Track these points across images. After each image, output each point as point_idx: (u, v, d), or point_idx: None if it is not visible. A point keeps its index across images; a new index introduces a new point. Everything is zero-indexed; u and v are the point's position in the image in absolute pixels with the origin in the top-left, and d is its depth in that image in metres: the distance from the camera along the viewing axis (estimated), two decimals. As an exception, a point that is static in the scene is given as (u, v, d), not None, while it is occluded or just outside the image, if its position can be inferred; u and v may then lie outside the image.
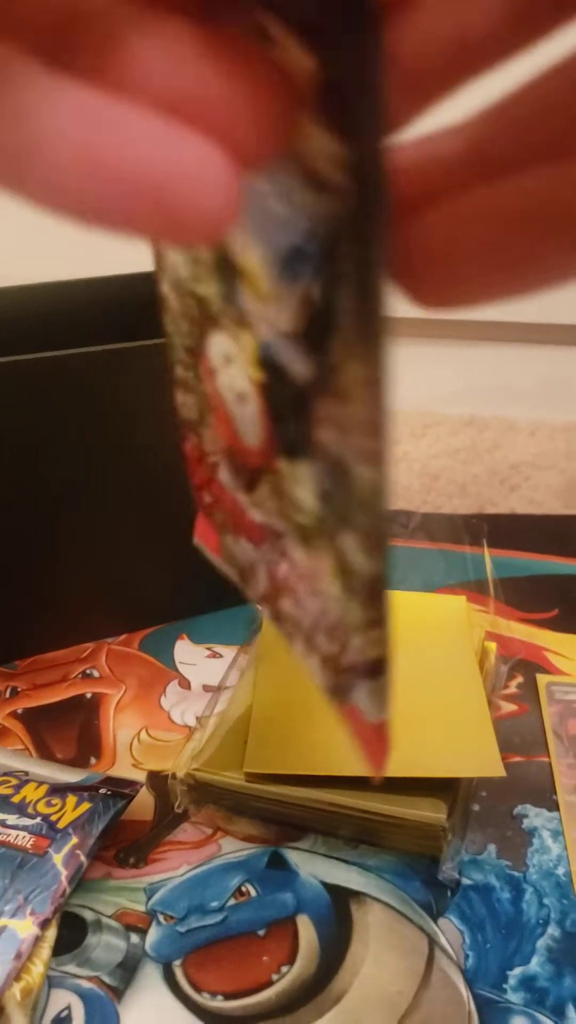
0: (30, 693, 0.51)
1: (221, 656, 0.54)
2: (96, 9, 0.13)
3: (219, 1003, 0.36)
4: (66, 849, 0.39)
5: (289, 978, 0.37)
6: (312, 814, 0.42)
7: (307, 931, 0.39)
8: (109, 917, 0.39)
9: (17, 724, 0.49)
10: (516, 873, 0.41)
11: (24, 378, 0.46)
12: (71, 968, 0.37)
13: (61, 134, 0.12)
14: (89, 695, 0.51)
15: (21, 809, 0.41)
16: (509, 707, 0.50)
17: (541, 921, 0.39)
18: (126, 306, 0.61)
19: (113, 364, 0.47)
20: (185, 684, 0.52)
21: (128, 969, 0.37)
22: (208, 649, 0.54)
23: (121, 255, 0.81)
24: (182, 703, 0.50)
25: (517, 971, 0.37)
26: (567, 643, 0.55)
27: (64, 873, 0.39)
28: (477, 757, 0.42)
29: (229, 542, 0.26)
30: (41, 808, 0.41)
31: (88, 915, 0.39)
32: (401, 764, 0.41)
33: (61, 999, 0.36)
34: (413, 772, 0.41)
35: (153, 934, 0.38)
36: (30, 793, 0.42)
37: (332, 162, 0.14)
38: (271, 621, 0.24)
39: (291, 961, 0.37)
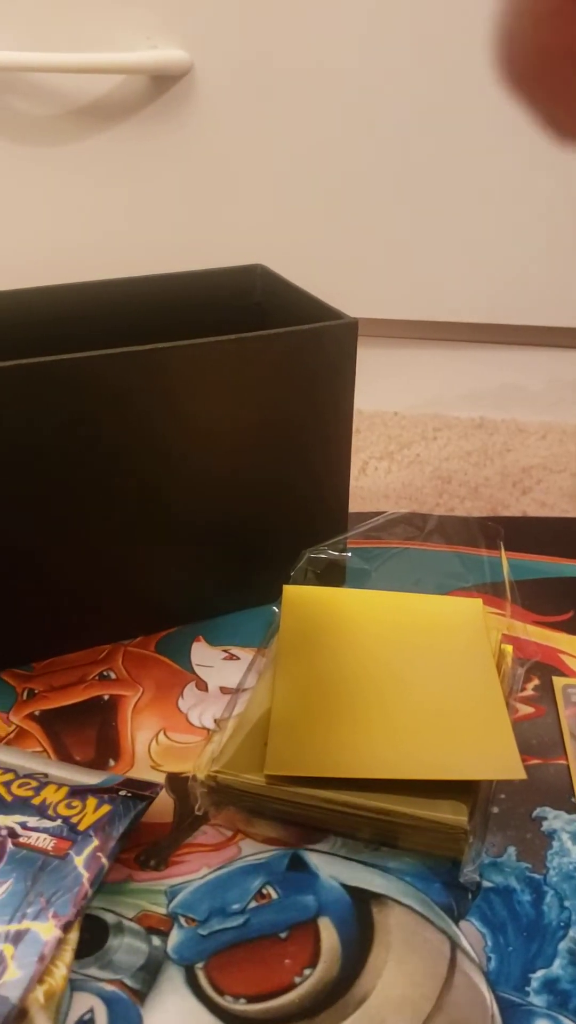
0: (47, 695, 0.51)
1: (238, 658, 0.54)
2: None
3: (242, 1006, 0.36)
4: (87, 851, 0.39)
5: (312, 981, 0.37)
6: (332, 816, 0.42)
7: (329, 934, 0.39)
8: (130, 920, 0.39)
9: (35, 726, 0.49)
10: (536, 876, 0.41)
11: (37, 380, 0.46)
12: (93, 971, 0.37)
13: None
14: (106, 697, 0.51)
15: (42, 811, 0.41)
16: (526, 709, 0.50)
17: (562, 924, 0.39)
18: (132, 308, 0.61)
19: (128, 366, 0.47)
20: (202, 686, 0.52)
21: (150, 972, 0.37)
22: (225, 651, 0.54)
23: (121, 258, 0.81)
24: (199, 705, 0.50)
25: (539, 973, 0.37)
26: (583, 646, 0.55)
27: (86, 875, 0.39)
28: (497, 759, 0.42)
29: None
30: (62, 810, 0.41)
31: (110, 918, 0.39)
32: (421, 766, 0.41)
33: (84, 1002, 0.36)
34: (433, 774, 0.41)
35: (175, 937, 0.38)
36: (51, 795, 0.42)
37: None
38: None
39: (313, 964, 0.37)
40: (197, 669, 0.53)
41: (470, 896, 0.40)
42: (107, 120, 0.77)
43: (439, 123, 0.76)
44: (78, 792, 0.42)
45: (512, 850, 0.42)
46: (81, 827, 0.40)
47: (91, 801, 0.42)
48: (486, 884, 0.41)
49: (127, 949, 0.38)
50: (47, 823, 0.41)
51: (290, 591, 0.53)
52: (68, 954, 0.37)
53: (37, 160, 0.79)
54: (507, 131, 0.76)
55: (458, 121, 0.76)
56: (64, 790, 0.43)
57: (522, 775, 0.41)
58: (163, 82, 0.76)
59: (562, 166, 0.77)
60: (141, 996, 0.36)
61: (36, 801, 0.42)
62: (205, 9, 0.73)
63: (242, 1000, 0.36)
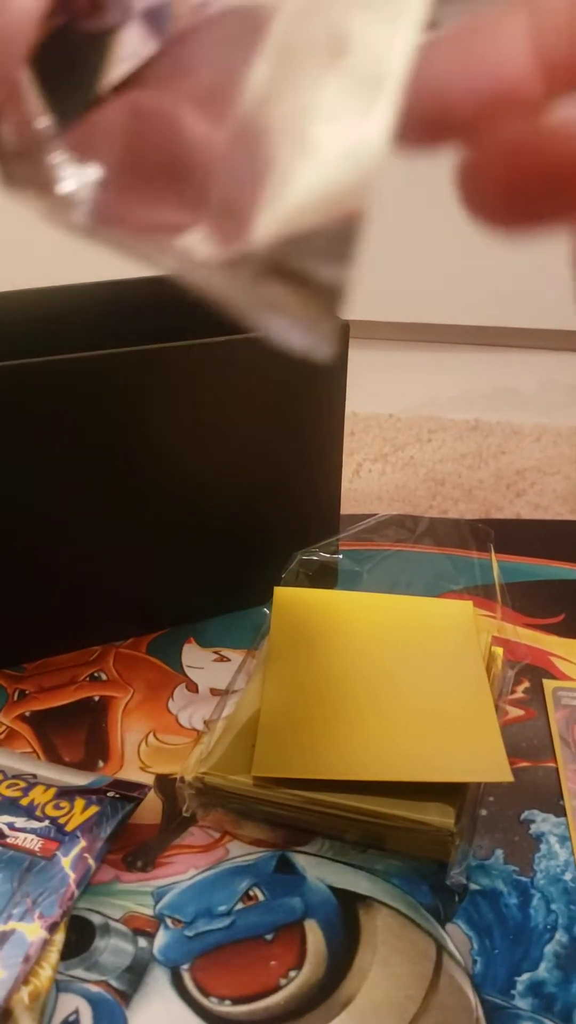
0: (38, 696, 0.51)
1: (228, 660, 0.54)
2: None
3: (227, 1008, 0.36)
4: (74, 852, 0.39)
5: (297, 983, 0.37)
6: (320, 818, 0.42)
7: (315, 936, 0.39)
8: (117, 921, 0.39)
9: (25, 727, 0.49)
10: (523, 878, 0.41)
11: (33, 381, 0.46)
12: (79, 972, 0.37)
13: None
14: (97, 698, 0.51)
15: (29, 812, 0.41)
16: (516, 712, 0.50)
17: (549, 927, 0.39)
18: (125, 309, 0.61)
19: (120, 368, 0.47)
20: (192, 688, 0.52)
21: (136, 973, 0.37)
22: (215, 653, 0.55)
23: (116, 259, 0.81)
24: (189, 707, 0.51)
25: (525, 977, 0.37)
26: (573, 648, 0.55)
27: (72, 876, 0.39)
28: (485, 762, 0.42)
29: None
30: (49, 811, 0.41)
31: (96, 919, 0.39)
32: (409, 768, 0.41)
33: (69, 1003, 0.36)
34: (421, 776, 0.41)
35: (161, 938, 0.38)
36: (38, 796, 0.42)
37: None
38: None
39: (299, 966, 0.37)
40: (188, 671, 0.53)
41: (457, 899, 0.40)
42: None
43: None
44: (66, 793, 0.43)
45: (499, 853, 0.42)
46: (68, 828, 0.41)
47: (79, 802, 0.42)
48: (473, 887, 0.41)
49: (113, 950, 0.38)
50: (34, 824, 0.41)
51: (281, 593, 0.53)
52: (54, 955, 0.37)
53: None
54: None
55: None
56: (52, 791, 0.43)
57: (509, 777, 0.41)
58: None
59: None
60: (126, 997, 0.36)
61: (24, 802, 0.42)
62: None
63: (227, 1002, 0.36)
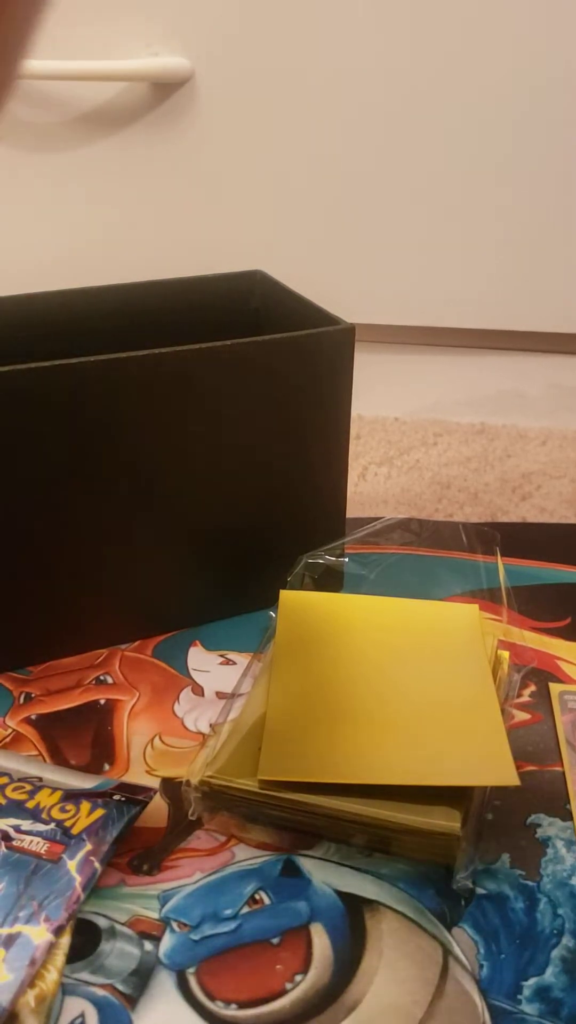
0: (44, 699, 0.51)
1: (234, 663, 0.54)
2: None
3: (233, 1012, 0.36)
4: (80, 855, 0.39)
5: (303, 987, 0.37)
6: (326, 822, 0.42)
7: (321, 939, 0.39)
8: (123, 924, 0.39)
9: (31, 730, 0.49)
10: (530, 883, 0.41)
11: (35, 385, 0.46)
12: (85, 975, 0.37)
13: None
14: (103, 701, 0.51)
15: (35, 815, 0.41)
16: (522, 716, 0.50)
17: (556, 931, 0.39)
18: (131, 313, 0.61)
19: (126, 372, 0.47)
20: (198, 691, 0.52)
21: (142, 977, 0.37)
22: (221, 656, 0.55)
23: (121, 263, 0.82)
24: (195, 710, 0.51)
25: (532, 981, 0.37)
26: (580, 652, 0.55)
27: (78, 879, 0.39)
28: (491, 766, 0.42)
29: None
30: (55, 814, 0.41)
31: (102, 922, 0.39)
32: (415, 772, 0.41)
33: (75, 1007, 0.36)
34: (427, 781, 0.41)
35: (167, 942, 0.38)
36: (44, 799, 0.42)
37: None
38: None
39: (305, 970, 0.37)
40: (193, 674, 0.53)
41: (463, 903, 0.40)
42: (108, 127, 0.78)
43: (438, 130, 0.76)
44: (72, 796, 0.43)
45: (506, 857, 0.42)
46: (74, 831, 0.41)
47: (85, 805, 0.42)
48: (479, 891, 0.41)
49: (119, 954, 0.38)
50: (41, 827, 0.41)
51: (287, 596, 0.53)
52: (59, 958, 0.37)
53: (39, 166, 0.79)
54: (505, 138, 0.76)
55: (457, 128, 0.76)
56: (58, 794, 0.43)
57: (516, 782, 0.41)
58: (164, 89, 0.76)
59: (561, 172, 0.77)
60: (132, 1001, 0.36)
61: (30, 805, 0.42)
62: (206, 17, 0.74)
63: (233, 1006, 0.36)
